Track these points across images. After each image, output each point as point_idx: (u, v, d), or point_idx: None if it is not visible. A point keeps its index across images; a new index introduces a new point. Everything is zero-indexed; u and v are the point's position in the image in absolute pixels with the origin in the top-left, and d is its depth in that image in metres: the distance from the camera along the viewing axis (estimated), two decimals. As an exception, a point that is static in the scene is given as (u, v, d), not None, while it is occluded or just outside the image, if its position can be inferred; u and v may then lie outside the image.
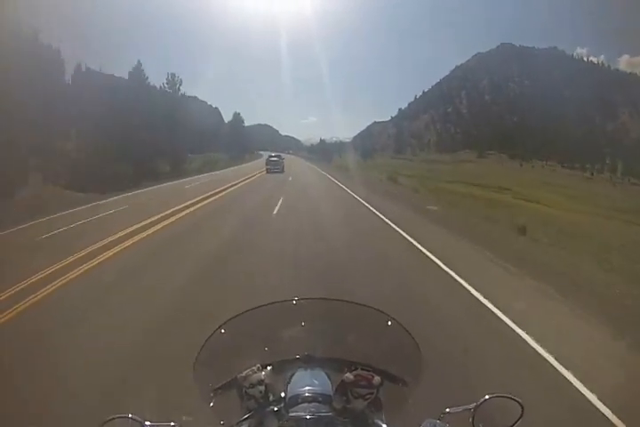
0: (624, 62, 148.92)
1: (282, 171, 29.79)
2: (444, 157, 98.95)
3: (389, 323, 1.06)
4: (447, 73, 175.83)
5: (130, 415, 0.80)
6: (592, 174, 72.46)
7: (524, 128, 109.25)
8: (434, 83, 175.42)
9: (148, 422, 0.81)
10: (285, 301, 1.14)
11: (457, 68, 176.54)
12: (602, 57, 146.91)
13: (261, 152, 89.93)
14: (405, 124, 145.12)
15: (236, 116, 67.01)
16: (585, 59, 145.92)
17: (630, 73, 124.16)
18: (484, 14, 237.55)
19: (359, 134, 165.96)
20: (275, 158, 31.88)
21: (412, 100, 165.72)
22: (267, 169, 30.25)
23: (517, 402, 0.81)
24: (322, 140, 77.94)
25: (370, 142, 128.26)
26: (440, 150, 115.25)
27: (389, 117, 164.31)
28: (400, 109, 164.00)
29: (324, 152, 70.35)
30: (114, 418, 0.80)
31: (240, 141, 62.30)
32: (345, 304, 1.15)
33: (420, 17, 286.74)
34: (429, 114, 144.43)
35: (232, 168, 38.24)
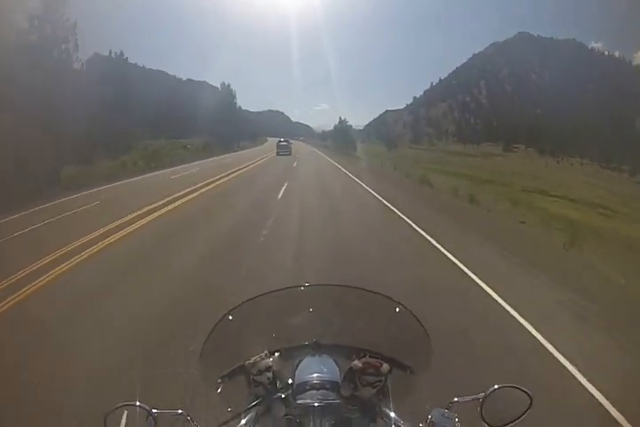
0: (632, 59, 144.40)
1: (290, 153, 33.58)
2: (467, 148, 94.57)
3: (397, 310, 1.04)
4: (464, 61, 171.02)
5: (138, 403, 0.80)
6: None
7: (549, 121, 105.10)
8: (449, 71, 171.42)
9: (155, 410, 0.81)
10: (293, 287, 1.12)
11: (474, 56, 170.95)
12: (616, 52, 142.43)
13: (269, 138, 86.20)
14: (421, 112, 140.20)
15: (226, 89, 52.86)
16: (606, 53, 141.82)
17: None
18: (501, 2, 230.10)
19: (372, 122, 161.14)
20: (284, 143, 35.89)
21: (428, 87, 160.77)
22: (277, 152, 33.99)
23: (526, 393, 0.81)
24: (342, 121, 66.46)
25: (384, 131, 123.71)
26: (460, 141, 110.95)
27: (404, 105, 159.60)
28: (415, 97, 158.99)
29: (344, 139, 56.62)
30: (122, 406, 0.80)
31: (234, 123, 50.13)
32: (353, 291, 1.12)
33: (434, 4, 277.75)
34: (447, 102, 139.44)
35: (166, 171, 20.82)
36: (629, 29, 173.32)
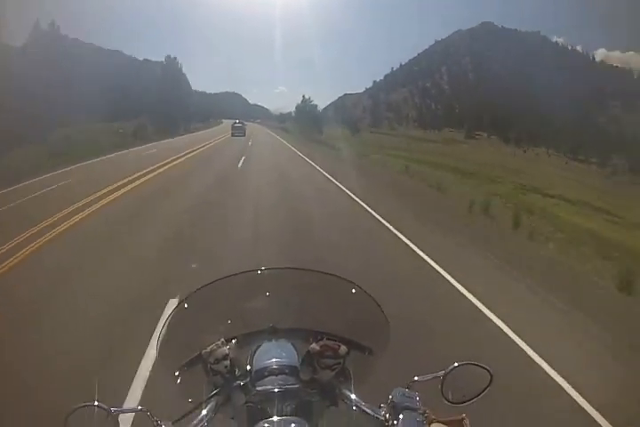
0: (600, 56, 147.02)
1: (244, 135, 34.59)
2: (428, 134, 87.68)
3: (354, 290, 1.03)
4: (426, 47, 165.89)
5: (96, 403, 0.79)
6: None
7: (512, 110, 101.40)
8: (411, 57, 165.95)
9: (114, 409, 0.80)
10: (248, 271, 1.10)
11: (436, 42, 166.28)
12: (578, 48, 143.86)
13: (225, 120, 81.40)
14: (381, 96, 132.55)
15: (171, 63, 44.95)
16: (569, 47, 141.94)
17: (616, 66, 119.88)
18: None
19: (330, 105, 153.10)
20: (239, 125, 37.70)
21: (389, 72, 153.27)
22: (231, 133, 35.53)
23: (486, 369, 0.82)
24: (305, 100, 57.14)
25: (344, 114, 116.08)
26: (421, 126, 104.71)
27: (364, 89, 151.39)
28: (375, 82, 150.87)
29: (308, 122, 48.61)
30: (80, 407, 0.79)
31: (182, 103, 42.41)
32: (310, 273, 1.10)
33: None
34: (407, 88, 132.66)
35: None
36: (591, 27, 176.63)
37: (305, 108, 55.55)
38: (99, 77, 46.27)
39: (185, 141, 27.63)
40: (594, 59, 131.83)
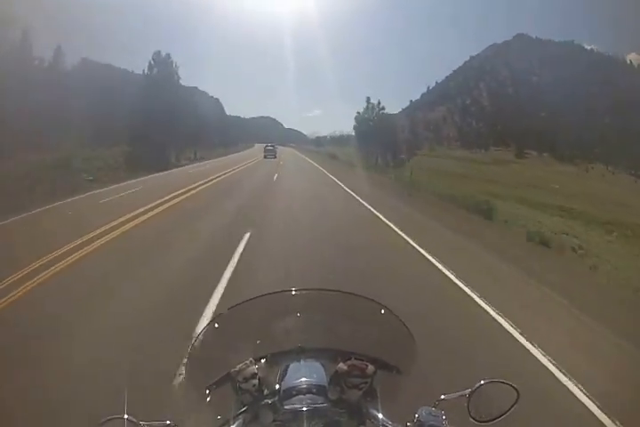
0: (631, 60, 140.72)
1: (275, 157, 37.65)
2: (475, 154, 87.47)
3: (382, 311, 1.05)
4: (460, 64, 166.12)
5: (126, 416, 0.80)
6: None
7: (557, 125, 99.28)
8: (446, 74, 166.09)
9: (143, 422, 0.81)
10: (277, 292, 1.13)
11: (472, 58, 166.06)
12: (610, 53, 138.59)
13: (257, 145, 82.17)
14: (419, 116, 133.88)
15: (163, 61, 32.43)
16: (604, 54, 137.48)
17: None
18: (497, 5, 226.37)
19: None
20: (270, 147, 41.04)
21: (425, 91, 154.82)
22: (264, 155, 38.68)
23: (513, 387, 0.82)
24: (374, 107, 41.04)
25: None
26: (464, 146, 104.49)
27: (399, 109, 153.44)
28: (412, 101, 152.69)
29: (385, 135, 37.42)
30: (110, 419, 0.80)
31: (180, 118, 30.85)
32: (338, 294, 1.12)
33: (428, 8, 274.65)
34: (445, 106, 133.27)
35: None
36: (622, 30, 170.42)
37: (369, 118, 41.04)
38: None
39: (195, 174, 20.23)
40: (631, 63, 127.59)
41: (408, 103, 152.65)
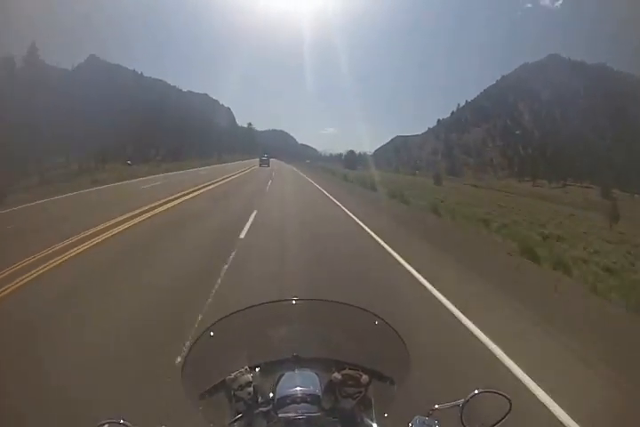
0: None
1: (268, 166, 44.01)
2: (541, 191, 69.51)
3: (377, 322, 1.06)
4: (492, 82, 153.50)
5: (121, 421, 0.80)
6: None
7: (623, 153, 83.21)
8: (474, 92, 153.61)
9: None
10: (273, 302, 1.13)
11: (503, 77, 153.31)
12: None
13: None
14: (453, 137, 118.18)
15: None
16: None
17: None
18: (526, 24, 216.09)
19: (380, 148, 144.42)
20: (265, 158, 48.31)
21: (454, 110, 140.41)
22: (259, 164, 45.95)
23: (505, 397, 0.82)
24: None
25: (406, 157, 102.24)
26: (513, 175, 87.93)
27: (425, 129, 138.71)
28: (439, 120, 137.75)
29: None
30: (105, 423, 0.79)
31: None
32: (333, 304, 1.12)
33: (453, 26, 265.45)
34: (482, 127, 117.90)
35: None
36: None
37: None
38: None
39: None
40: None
41: (435, 122, 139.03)
